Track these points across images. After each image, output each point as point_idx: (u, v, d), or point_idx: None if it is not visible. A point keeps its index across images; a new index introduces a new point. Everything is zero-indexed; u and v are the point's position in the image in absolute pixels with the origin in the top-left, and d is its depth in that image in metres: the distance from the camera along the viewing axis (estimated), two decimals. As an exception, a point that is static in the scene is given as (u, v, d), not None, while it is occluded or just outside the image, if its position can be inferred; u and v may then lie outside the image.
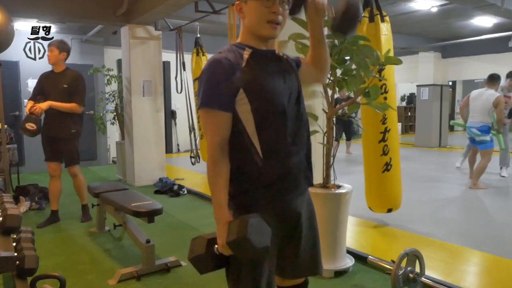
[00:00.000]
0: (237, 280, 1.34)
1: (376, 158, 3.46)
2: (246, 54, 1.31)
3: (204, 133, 1.31)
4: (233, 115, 1.27)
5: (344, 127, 8.44)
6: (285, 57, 1.44)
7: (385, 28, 3.36)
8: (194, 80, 6.50)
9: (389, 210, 3.65)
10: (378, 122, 3.38)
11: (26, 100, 6.91)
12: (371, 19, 3.35)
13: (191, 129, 6.26)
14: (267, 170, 1.30)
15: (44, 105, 3.72)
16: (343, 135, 8.99)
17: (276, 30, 1.30)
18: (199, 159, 6.32)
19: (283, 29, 1.35)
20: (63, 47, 3.85)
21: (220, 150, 1.26)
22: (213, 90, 1.25)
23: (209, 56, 6.52)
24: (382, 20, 3.37)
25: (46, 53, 3.93)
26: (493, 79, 5.56)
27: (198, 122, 6.52)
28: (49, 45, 3.85)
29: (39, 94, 3.84)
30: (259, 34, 1.31)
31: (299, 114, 1.38)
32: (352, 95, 3.10)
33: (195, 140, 6.29)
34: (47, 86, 3.85)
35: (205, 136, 1.30)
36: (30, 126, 3.71)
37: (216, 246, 1.28)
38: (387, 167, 3.46)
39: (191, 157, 6.30)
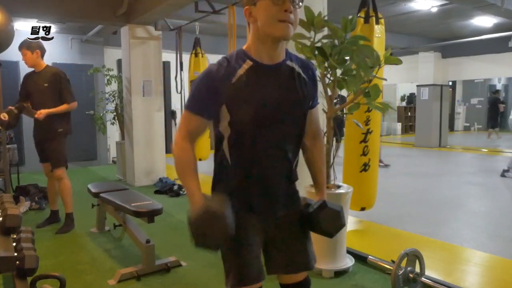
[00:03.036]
0: (227, 266, 1.41)
1: (355, 157, 3.52)
2: (243, 68, 1.32)
3: (178, 128, 1.38)
4: (217, 124, 1.36)
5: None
6: (295, 69, 1.39)
7: (378, 31, 3.36)
8: (191, 82, 6.51)
9: (362, 209, 3.68)
10: (362, 123, 3.41)
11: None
12: (366, 20, 3.35)
13: None
14: (233, 176, 1.37)
15: (44, 113, 3.65)
16: None
17: (289, 29, 1.27)
18: None
19: (296, 29, 1.31)
20: (33, 46, 3.76)
21: (189, 142, 1.34)
22: (198, 98, 1.33)
23: (208, 56, 6.53)
24: (377, 22, 3.37)
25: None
26: None
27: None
28: (19, 50, 3.76)
29: (26, 95, 3.78)
30: (272, 35, 1.28)
31: (286, 132, 1.39)
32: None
33: None
34: (29, 86, 3.80)
35: (178, 130, 1.37)
36: (3, 116, 3.59)
37: None
38: (365, 167, 3.53)
39: None
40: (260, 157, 1.36)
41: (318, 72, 1.67)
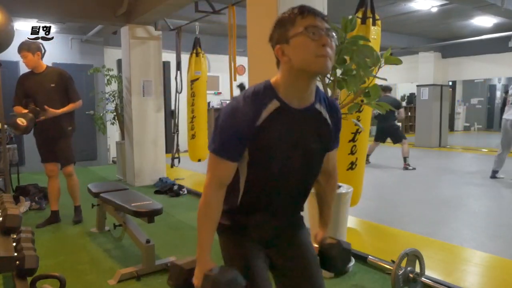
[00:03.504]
0: None
1: (343, 156, 3.53)
2: (268, 109, 1.24)
3: (207, 171, 1.31)
4: None
5: None
6: (322, 114, 1.34)
7: (374, 32, 3.37)
8: (192, 82, 6.51)
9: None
10: (351, 122, 3.42)
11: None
12: (363, 21, 3.35)
13: (175, 130, 6.29)
14: (238, 222, 1.36)
15: (51, 113, 3.74)
16: None
17: (328, 64, 1.19)
18: (179, 162, 6.39)
19: (333, 63, 1.24)
20: (33, 48, 3.80)
21: (216, 192, 1.28)
22: (224, 140, 1.25)
23: (208, 56, 6.52)
24: (374, 24, 3.37)
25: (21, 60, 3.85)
26: None
27: (191, 122, 6.56)
28: (19, 52, 3.79)
29: (24, 97, 3.80)
30: (311, 71, 1.20)
31: (299, 178, 1.37)
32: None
33: (178, 141, 6.35)
34: (31, 87, 3.82)
35: (207, 175, 1.31)
36: (21, 121, 3.65)
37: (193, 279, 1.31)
38: (352, 166, 3.56)
39: (172, 158, 6.33)
40: (273, 200, 1.35)
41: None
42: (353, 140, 3.50)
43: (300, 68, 1.20)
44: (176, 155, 6.32)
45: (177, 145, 6.39)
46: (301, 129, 1.29)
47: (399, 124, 7.39)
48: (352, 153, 3.53)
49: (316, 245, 1.53)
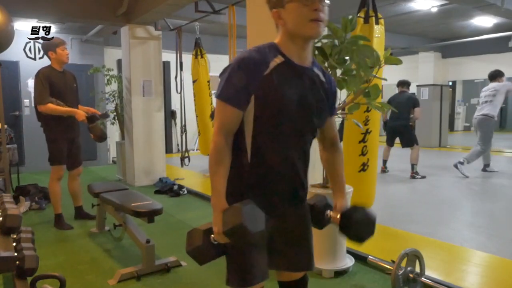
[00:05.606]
0: (232, 265, 1.39)
1: (354, 157, 3.52)
2: (275, 61, 1.32)
3: (214, 120, 1.35)
4: None
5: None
6: (320, 77, 1.43)
7: (378, 31, 3.36)
8: (194, 82, 6.52)
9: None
10: (361, 123, 3.41)
11: (26, 100, 7.06)
12: (366, 20, 3.35)
13: (183, 130, 6.29)
14: (250, 173, 1.36)
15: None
16: None
17: (320, 28, 1.30)
18: (189, 161, 6.37)
19: (325, 26, 1.35)
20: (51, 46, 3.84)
21: (224, 139, 1.31)
22: (232, 86, 1.29)
23: (209, 56, 6.52)
24: (377, 23, 3.36)
25: (65, 52, 3.82)
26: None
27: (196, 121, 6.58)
28: (62, 45, 3.80)
29: (51, 95, 3.71)
30: (304, 34, 1.31)
31: (306, 132, 1.41)
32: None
33: (186, 141, 6.33)
34: (59, 85, 3.76)
35: (214, 121, 1.35)
36: (93, 136, 3.88)
37: (212, 235, 1.31)
38: (364, 167, 3.53)
39: (181, 158, 6.31)
40: (282, 155, 1.37)
41: None
42: (363, 141, 3.46)
43: (294, 32, 1.31)
44: (186, 155, 6.31)
45: (186, 144, 6.36)
46: (302, 83, 1.36)
47: (413, 125, 6.60)
48: (363, 154, 3.48)
49: (336, 215, 1.53)
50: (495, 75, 6.35)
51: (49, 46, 3.80)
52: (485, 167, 6.49)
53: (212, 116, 5.73)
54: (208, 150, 5.52)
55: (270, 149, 1.35)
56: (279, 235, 1.44)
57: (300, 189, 1.46)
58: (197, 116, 6.59)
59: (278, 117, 1.31)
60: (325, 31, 2.60)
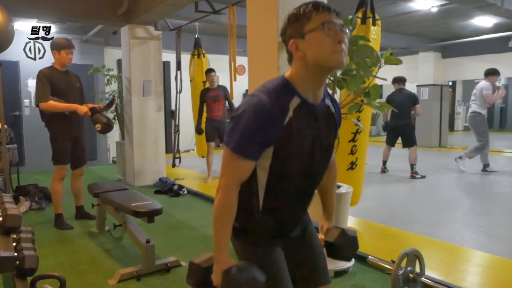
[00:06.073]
0: None
1: (343, 156, 3.54)
2: (292, 105, 1.21)
3: (222, 169, 1.24)
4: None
5: None
6: (331, 109, 1.36)
7: (374, 32, 3.37)
8: (191, 81, 6.51)
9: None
10: (351, 122, 3.42)
11: (26, 100, 7.06)
12: (363, 21, 3.35)
13: (176, 130, 6.28)
14: (260, 222, 1.33)
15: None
16: None
17: (343, 59, 1.20)
18: (180, 162, 6.37)
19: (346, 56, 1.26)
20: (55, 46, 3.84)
21: (235, 195, 1.24)
22: (248, 138, 1.18)
23: (208, 56, 6.52)
24: (374, 24, 3.37)
25: (68, 57, 3.83)
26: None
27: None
28: (71, 48, 3.83)
29: (53, 94, 3.72)
30: (327, 66, 1.21)
31: (317, 173, 1.37)
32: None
33: (178, 141, 6.32)
34: (61, 85, 3.77)
35: (222, 173, 1.24)
36: (97, 126, 3.84)
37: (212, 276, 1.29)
38: (352, 165, 3.57)
39: (173, 158, 6.31)
40: (293, 200, 1.34)
41: None
42: (353, 140, 3.52)
43: (315, 64, 1.20)
44: (177, 155, 6.32)
45: (178, 145, 6.37)
46: (317, 124, 1.28)
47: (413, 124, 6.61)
48: (352, 153, 3.54)
49: (322, 236, 1.55)
50: (486, 74, 6.56)
51: (55, 45, 3.82)
52: (485, 167, 6.53)
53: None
54: (203, 152, 5.49)
55: (283, 197, 1.31)
56: (294, 258, 1.43)
57: (303, 216, 1.46)
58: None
59: (296, 164, 1.26)
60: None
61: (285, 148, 1.21)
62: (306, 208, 1.45)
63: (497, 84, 6.69)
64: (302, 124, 1.23)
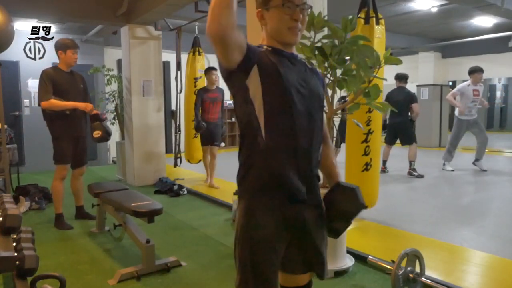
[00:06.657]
0: (241, 274, 1.37)
1: (357, 158, 3.54)
2: (264, 48, 1.38)
3: None
4: (244, 93, 1.31)
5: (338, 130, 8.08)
6: (308, 64, 1.48)
7: (379, 31, 3.37)
8: (196, 80, 6.48)
9: (365, 207, 3.70)
10: (363, 123, 3.42)
11: (26, 100, 7.06)
12: (367, 21, 3.35)
13: (177, 130, 6.26)
14: (268, 149, 1.30)
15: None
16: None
17: (296, 37, 1.36)
18: (181, 162, 6.33)
19: (302, 34, 1.41)
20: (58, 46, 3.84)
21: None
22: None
23: (208, 57, 6.51)
24: (377, 23, 3.37)
25: (74, 56, 3.85)
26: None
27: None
28: (76, 48, 3.83)
29: (55, 94, 3.71)
30: (281, 40, 1.37)
31: (314, 117, 1.38)
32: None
33: (179, 141, 6.30)
34: (63, 85, 3.77)
35: None
36: (96, 133, 3.85)
37: None
38: (367, 167, 3.55)
39: (175, 158, 6.29)
40: (294, 142, 1.33)
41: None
42: (365, 141, 3.49)
43: (271, 36, 1.39)
44: (179, 155, 6.30)
45: (179, 144, 6.36)
46: (298, 69, 1.39)
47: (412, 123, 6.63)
48: (366, 154, 3.51)
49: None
50: (469, 72, 6.57)
51: (61, 45, 3.82)
52: (475, 161, 6.72)
53: (196, 105, 5.39)
54: (191, 157, 5.42)
55: (285, 127, 1.32)
56: (296, 241, 1.40)
57: (315, 172, 1.42)
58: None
59: (286, 98, 1.30)
60: (325, 31, 2.62)
61: (268, 68, 1.30)
62: (312, 163, 1.38)
63: (480, 85, 6.55)
64: (278, 60, 1.33)
